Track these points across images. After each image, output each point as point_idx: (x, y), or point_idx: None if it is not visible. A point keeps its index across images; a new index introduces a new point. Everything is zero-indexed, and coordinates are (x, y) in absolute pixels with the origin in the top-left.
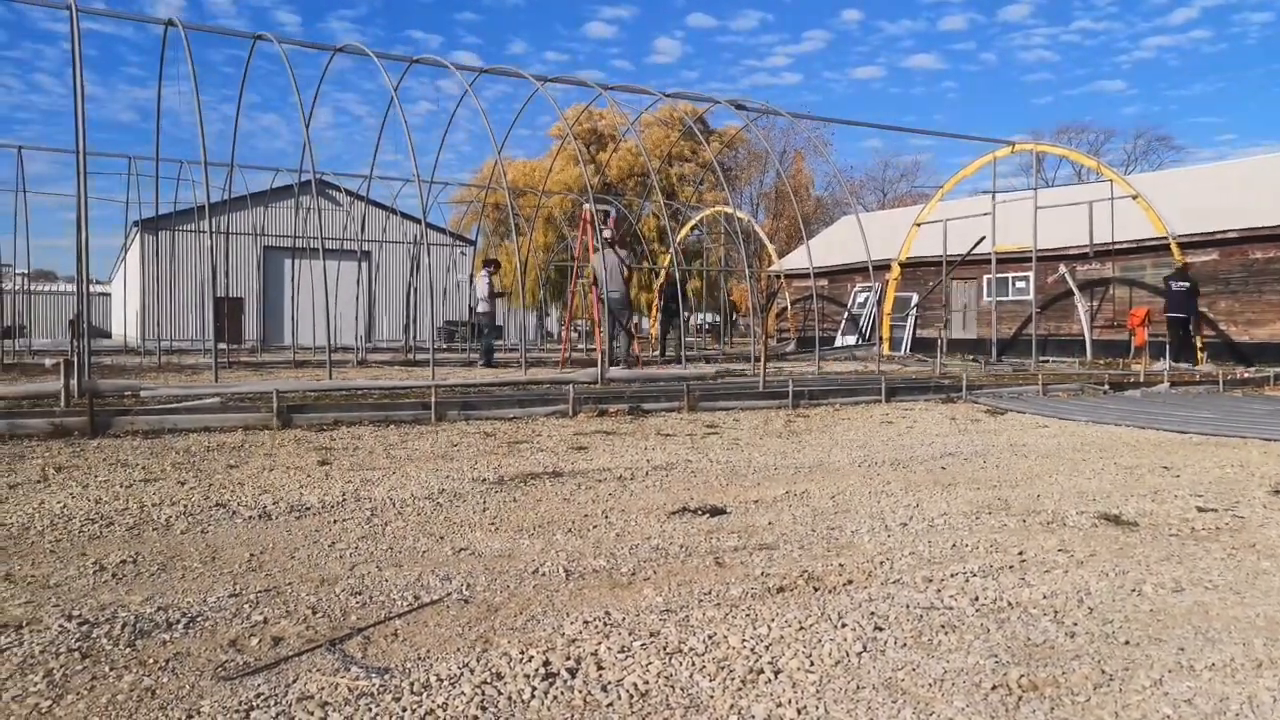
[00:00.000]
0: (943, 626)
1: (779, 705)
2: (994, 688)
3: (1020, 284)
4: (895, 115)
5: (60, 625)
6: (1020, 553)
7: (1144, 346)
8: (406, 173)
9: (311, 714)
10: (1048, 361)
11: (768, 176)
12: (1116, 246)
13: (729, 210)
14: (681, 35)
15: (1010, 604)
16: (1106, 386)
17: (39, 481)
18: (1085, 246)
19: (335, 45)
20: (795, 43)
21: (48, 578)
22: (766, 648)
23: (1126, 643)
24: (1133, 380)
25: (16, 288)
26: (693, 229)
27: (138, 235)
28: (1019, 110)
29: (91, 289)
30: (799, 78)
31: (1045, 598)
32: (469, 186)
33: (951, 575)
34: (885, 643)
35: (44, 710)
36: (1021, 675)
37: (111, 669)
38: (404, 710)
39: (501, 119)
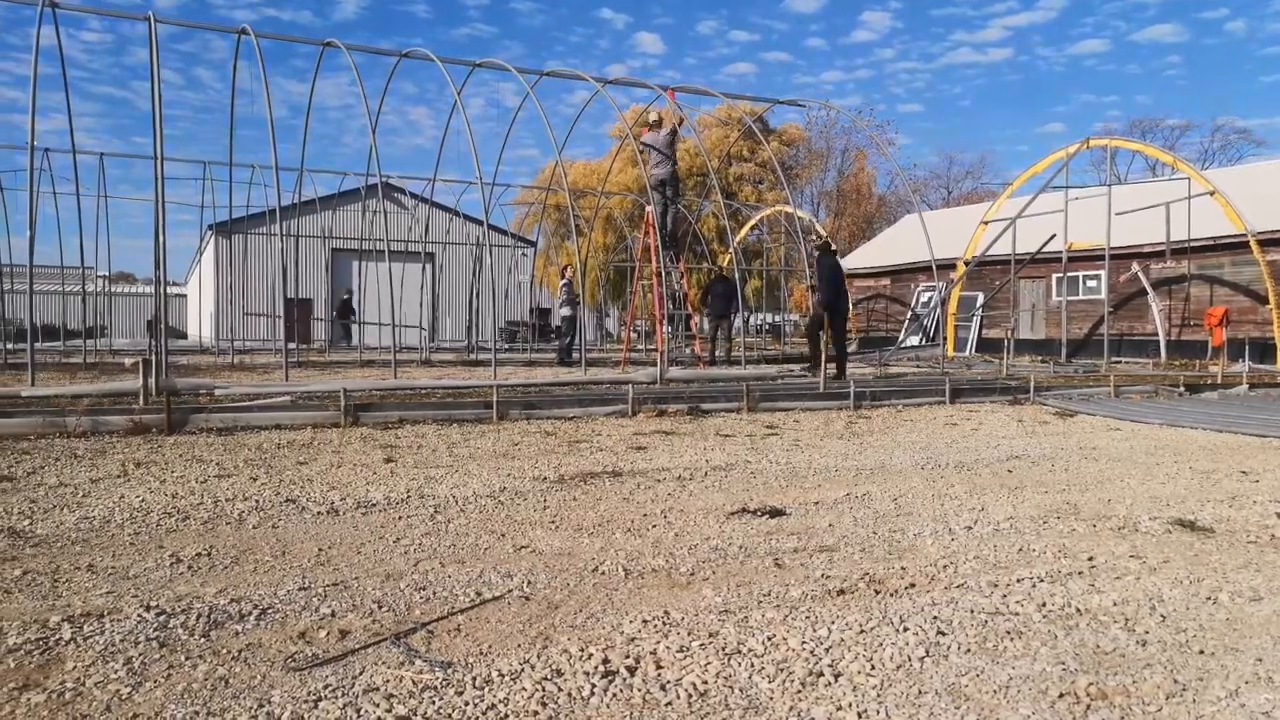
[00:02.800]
0: (1008, 632)
1: (839, 708)
2: (1061, 695)
3: (1091, 283)
4: (975, 109)
5: (139, 615)
6: (1090, 558)
7: (1222, 347)
8: (469, 174)
9: (377, 706)
10: (1120, 362)
11: (829, 175)
12: (1193, 244)
13: (789, 210)
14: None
15: (1079, 610)
16: (1182, 388)
17: (119, 476)
18: (1160, 244)
19: (400, 51)
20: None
21: (127, 569)
22: (826, 650)
23: (1201, 652)
24: (1209, 382)
25: (98, 289)
26: (752, 229)
27: (212, 238)
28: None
29: (168, 291)
30: (1008, 53)
31: (1115, 605)
32: (530, 188)
33: (1018, 580)
34: (948, 648)
35: (124, 697)
36: (1090, 683)
37: (187, 658)
38: (466, 704)
39: (564, 121)
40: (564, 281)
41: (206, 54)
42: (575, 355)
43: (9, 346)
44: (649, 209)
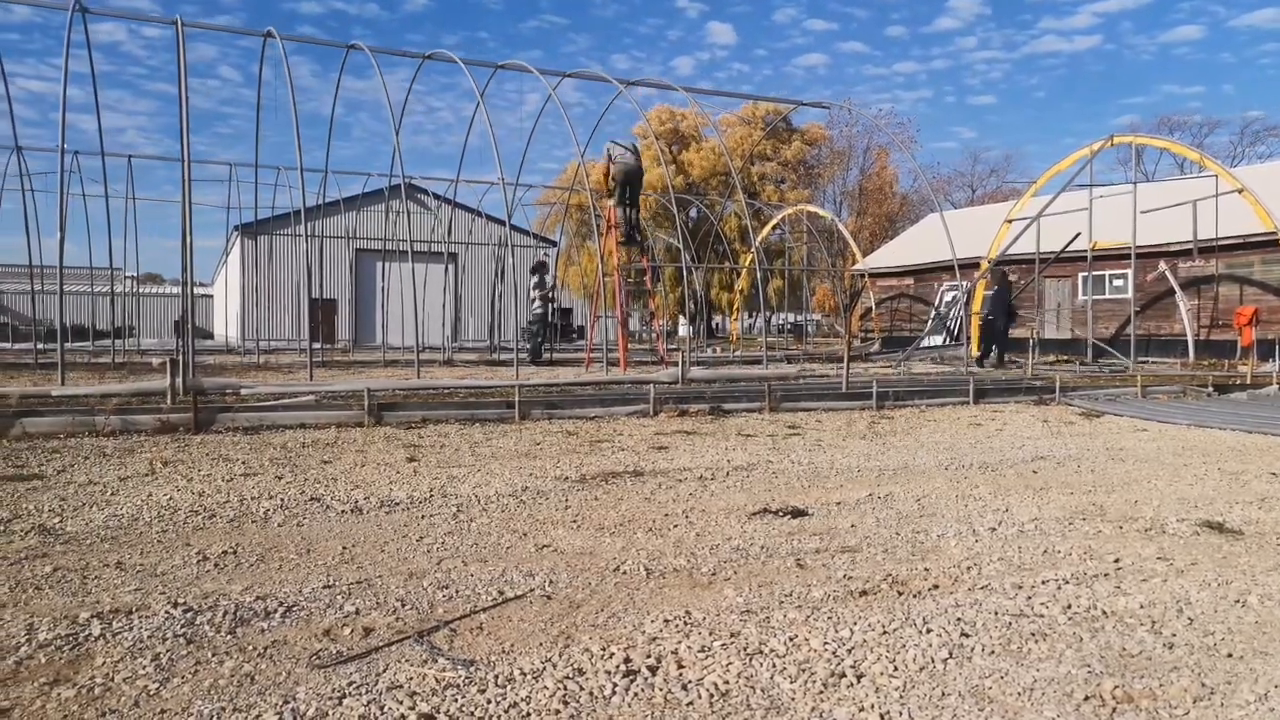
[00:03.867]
0: (1033, 634)
1: (861, 709)
2: (1086, 698)
3: (1118, 282)
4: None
5: (167, 612)
6: (1116, 560)
7: (1251, 346)
8: (491, 174)
9: (400, 703)
10: (1147, 362)
11: (851, 174)
12: (1221, 242)
13: (811, 209)
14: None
15: (1105, 613)
16: (1210, 389)
17: (147, 475)
18: (1188, 243)
19: (423, 53)
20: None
21: (155, 566)
22: (849, 651)
23: (1229, 655)
24: (1239, 382)
25: (126, 290)
26: (774, 228)
27: (238, 239)
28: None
29: (195, 292)
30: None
31: (1142, 607)
32: (552, 188)
33: (1042, 582)
34: (972, 649)
35: (152, 692)
36: (1116, 686)
37: (214, 655)
38: (488, 702)
39: (588, 121)
40: (535, 279)
41: (269, 51)
42: (545, 354)
43: (40, 346)
44: (609, 203)
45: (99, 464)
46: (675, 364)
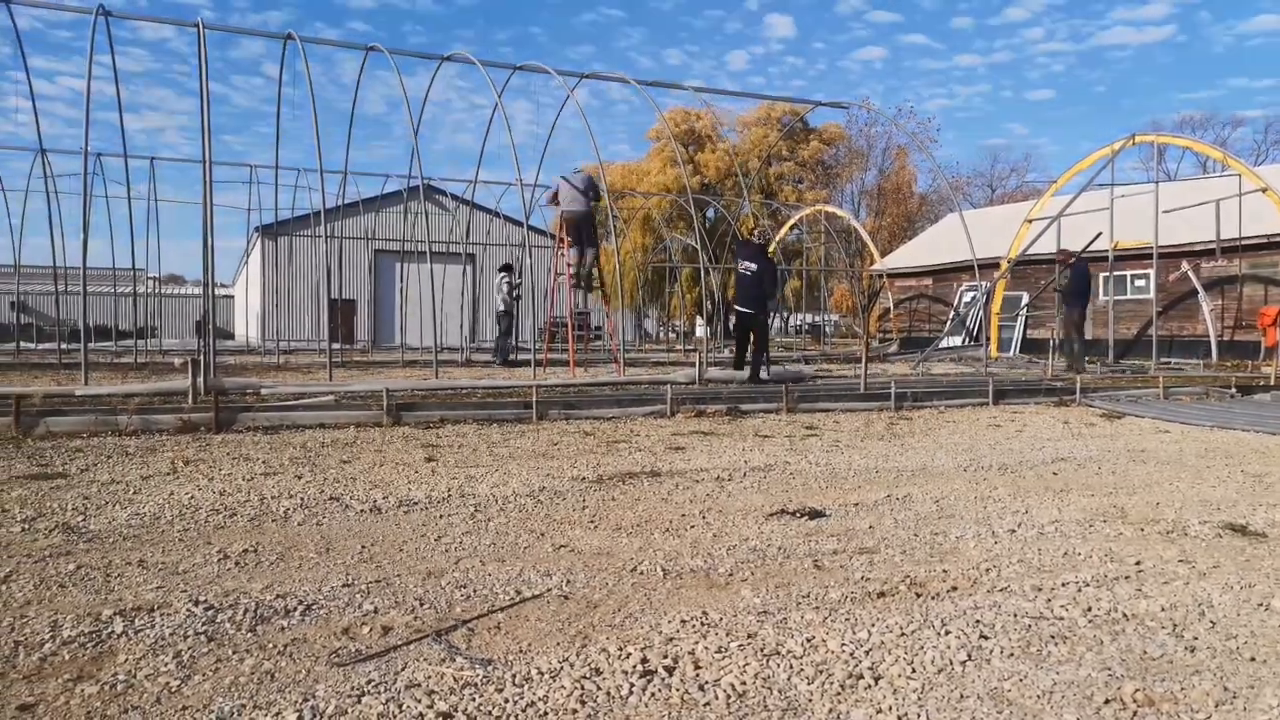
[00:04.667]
0: (1052, 637)
1: (879, 711)
2: (1107, 701)
3: (1140, 282)
4: (1019, 107)
5: (188, 610)
6: (1137, 563)
7: (1275, 347)
8: (509, 175)
9: (419, 701)
10: (1169, 363)
11: (869, 174)
12: (1244, 242)
13: (829, 209)
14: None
15: (1125, 615)
16: (1233, 390)
17: (169, 474)
18: (1211, 242)
19: (442, 55)
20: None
21: (176, 564)
22: (866, 653)
23: (1252, 659)
24: (1262, 383)
25: (148, 291)
26: (792, 228)
27: (258, 240)
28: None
29: (216, 293)
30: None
31: (1164, 610)
32: None
33: (1062, 584)
34: (991, 652)
35: (173, 689)
36: (1136, 689)
37: (234, 652)
38: (506, 701)
39: (602, 122)
40: (501, 277)
41: (316, 49)
42: (514, 356)
43: (64, 347)
44: (561, 234)
45: (122, 463)
46: (625, 366)
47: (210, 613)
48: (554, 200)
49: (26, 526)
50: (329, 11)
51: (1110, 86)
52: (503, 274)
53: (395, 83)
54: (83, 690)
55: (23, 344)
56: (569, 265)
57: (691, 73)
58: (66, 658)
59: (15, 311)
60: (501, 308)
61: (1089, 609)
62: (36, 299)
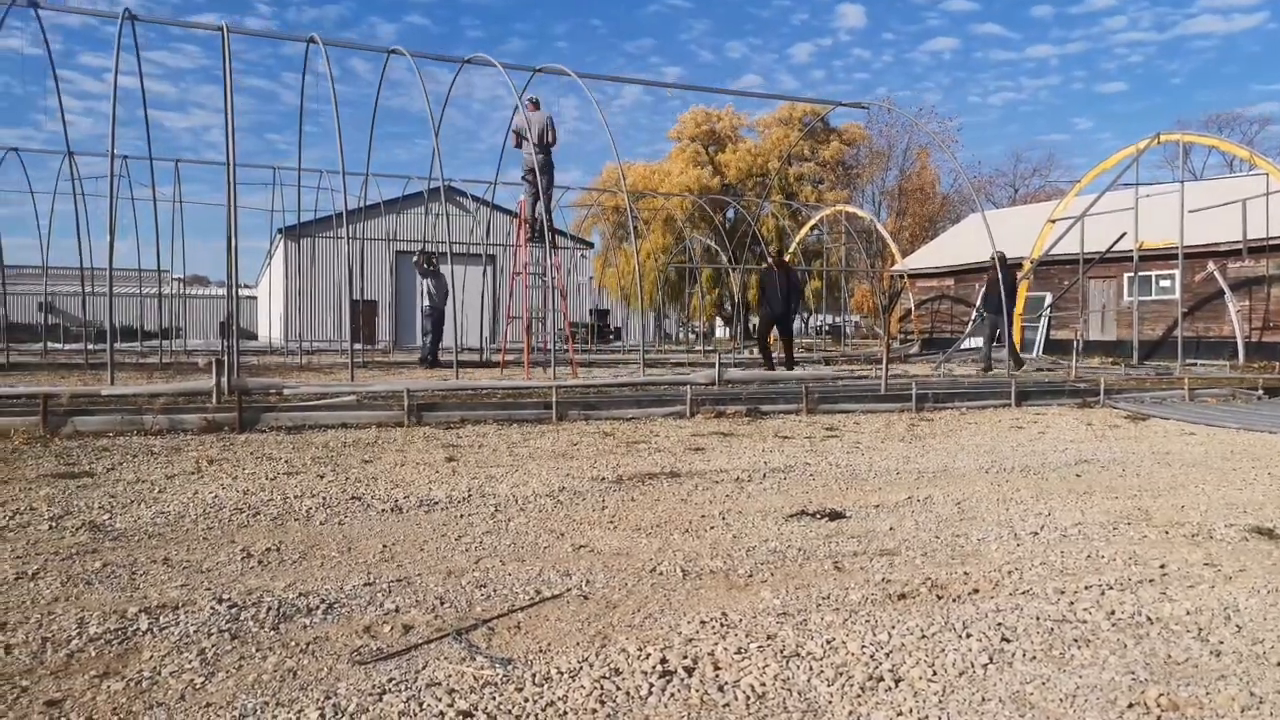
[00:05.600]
0: (1075, 640)
1: (899, 714)
2: (1130, 705)
3: (1165, 283)
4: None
5: (212, 608)
6: (1162, 566)
7: None
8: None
9: (439, 700)
10: (1195, 365)
11: (890, 174)
12: (1272, 242)
13: (850, 209)
14: None
15: (1150, 619)
16: (1261, 392)
17: (193, 473)
18: (1237, 242)
19: (462, 58)
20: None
21: (200, 563)
22: (886, 655)
23: (1279, 664)
24: None
25: (173, 291)
26: (812, 229)
27: (281, 241)
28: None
29: (239, 294)
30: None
31: (1188, 614)
32: (589, 189)
33: (1086, 587)
34: (1013, 655)
35: (197, 686)
36: (1160, 694)
37: (257, 650)
38: (526, 700)
39: (622, 123)
40: (430, 268)
41: (356, 51)
42: (443, 356)
43: (90, 347)
44: (521, 198)
45: (147, 462)
46: (581, 370)
47: (233, 610)
48: (518, 144)
49: (54, 525)
50: (384, 6)
51: (1186, 78)
52: (425, 267)
53: (444, 79)
54: (109, 686)
55: (50, 344)
56: (525, 223)
57: (751, 67)
58: (93, 654)
59: (43, 312)
60: (426, 302)
61: (1112, 612)
62: (64, 300)
